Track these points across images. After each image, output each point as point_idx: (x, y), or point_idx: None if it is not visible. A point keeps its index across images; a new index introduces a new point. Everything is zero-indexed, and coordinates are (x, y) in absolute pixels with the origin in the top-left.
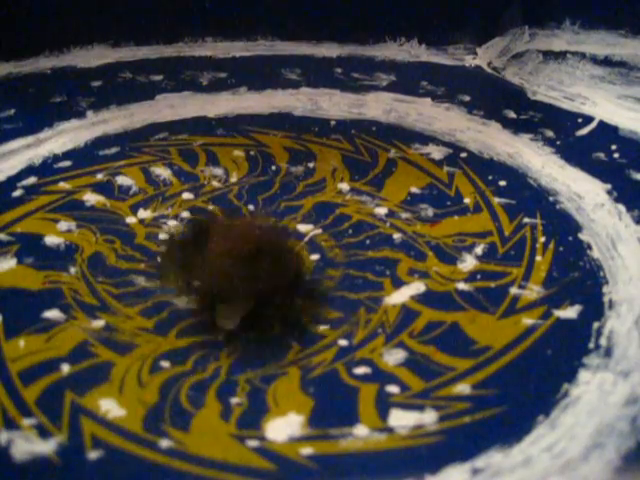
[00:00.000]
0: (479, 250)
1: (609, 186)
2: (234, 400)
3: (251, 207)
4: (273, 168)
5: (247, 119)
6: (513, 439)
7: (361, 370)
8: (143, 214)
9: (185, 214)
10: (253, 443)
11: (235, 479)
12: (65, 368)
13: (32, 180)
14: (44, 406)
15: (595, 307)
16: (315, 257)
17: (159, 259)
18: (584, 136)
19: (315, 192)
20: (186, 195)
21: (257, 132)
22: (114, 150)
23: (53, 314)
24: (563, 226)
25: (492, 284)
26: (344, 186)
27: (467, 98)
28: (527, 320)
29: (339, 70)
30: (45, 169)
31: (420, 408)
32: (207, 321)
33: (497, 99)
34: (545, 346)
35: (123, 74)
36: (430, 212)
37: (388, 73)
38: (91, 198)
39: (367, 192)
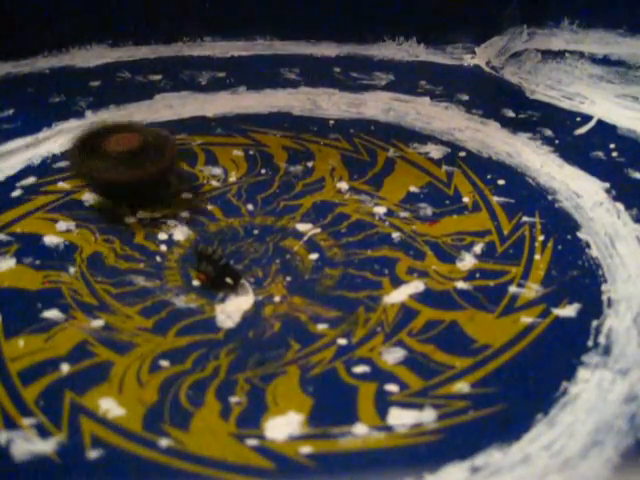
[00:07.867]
0: (478, 249)
1: (607, 185)
2: (233, 399)
3: (250, 207)
4: (272, 167)
5: (246, 119)
6: (512, 437)
7: (360, 369)
8: (142, 214)
9: (184, 214)
10: (252, 442)
11: (234, 478)
12: (65, 368)
13: (31, 180)
14: (44, 406)
15: (594, 305)
16: (314, 256)
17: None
18: (583, 135)
19: (314, 191)
20: (185, 195)
21: (256, 131)
22: None
23: (52, 314)
24: (562, 225)
25: (491, 283)
26: (343, 185)
27: (466, 97)
28: (526, 318)
29: (338, 69)
30: (44, 169)
31: (419, 407)
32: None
33: (496, 98)
34: (544, 344)
35: (122, 74)
36: (429, 211)
37: (387, 72)
38: (90, 198)
39: (366, 191)
